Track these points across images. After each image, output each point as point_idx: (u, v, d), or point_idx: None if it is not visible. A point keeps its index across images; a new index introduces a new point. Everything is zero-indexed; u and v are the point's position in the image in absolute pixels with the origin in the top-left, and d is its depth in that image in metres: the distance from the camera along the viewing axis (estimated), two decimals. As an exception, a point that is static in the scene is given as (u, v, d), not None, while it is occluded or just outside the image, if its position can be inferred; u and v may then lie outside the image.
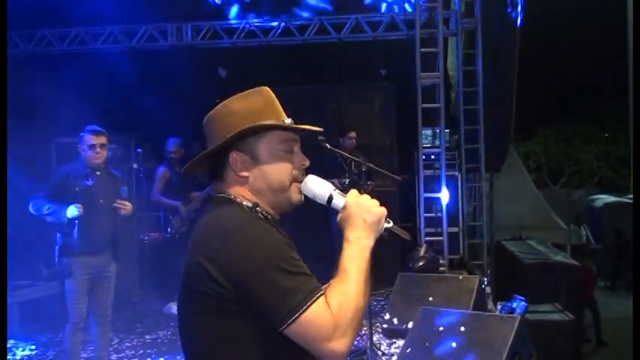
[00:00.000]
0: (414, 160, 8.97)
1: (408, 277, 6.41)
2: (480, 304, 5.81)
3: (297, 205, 1.91)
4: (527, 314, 5.41)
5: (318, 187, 1.89)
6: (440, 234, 8.15)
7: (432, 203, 8.48)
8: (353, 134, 8.15)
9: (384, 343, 6.26)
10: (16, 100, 8.37)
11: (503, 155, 9.83)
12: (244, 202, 1.84)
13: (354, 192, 1.89)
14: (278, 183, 1.86)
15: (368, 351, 5.47)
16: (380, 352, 5.80)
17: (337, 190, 1.90)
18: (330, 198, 1.88)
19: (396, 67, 9.85)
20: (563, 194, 24.11)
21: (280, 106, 1.93)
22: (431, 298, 5.81)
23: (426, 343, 4.63)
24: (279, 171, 1.86)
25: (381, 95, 10.42)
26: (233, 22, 9.24)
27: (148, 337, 7.11)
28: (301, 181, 1.89)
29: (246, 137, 1.84)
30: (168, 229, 7.75)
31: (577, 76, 25.56)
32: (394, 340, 6.20)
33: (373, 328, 5.65)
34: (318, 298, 1.65)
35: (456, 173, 8.95)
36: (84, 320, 5.36)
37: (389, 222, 1.86)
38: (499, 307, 5.56)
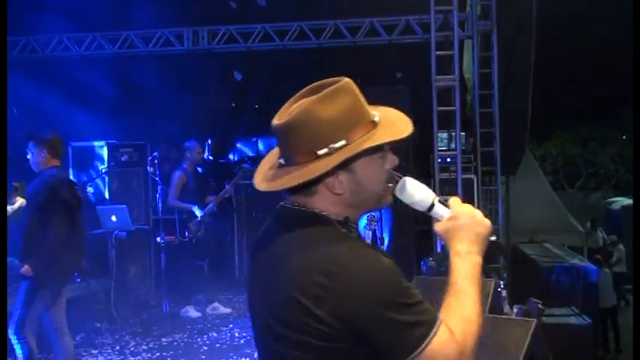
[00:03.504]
0: (430, 163, 8.94)
1: (424, 280, 6.38)
2: (496, 308, 5.77)
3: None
4: (544, 317, 5.38)
5: (418, 192, 1.69)
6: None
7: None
8: None
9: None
10: (31, 103, 8.50)
11: (520, 158, 9.78)
12: (332, 217, 1.64)
13: (456, 199, 1.73)
14: (375, 195, 1.67)
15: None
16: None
17: (437, 197, 1.70)
18: (432, 205, 1.69)
19: (412, 70, 9.82)
20: (580, 197, 23.94)
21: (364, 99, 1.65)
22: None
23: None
24: (375, 182, 1.66)
25: (396, 98, 10.38)
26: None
27: (164, 340, 7.15)
28: (393, 182, 1.69)
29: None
30: (186, 233, 7.79)
31: (594, 78, 25.40)
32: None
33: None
34: (440, 326, 1.51)
35: (472, 176, 8.88)
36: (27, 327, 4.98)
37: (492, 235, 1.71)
38: (515, 310, 5.53)
